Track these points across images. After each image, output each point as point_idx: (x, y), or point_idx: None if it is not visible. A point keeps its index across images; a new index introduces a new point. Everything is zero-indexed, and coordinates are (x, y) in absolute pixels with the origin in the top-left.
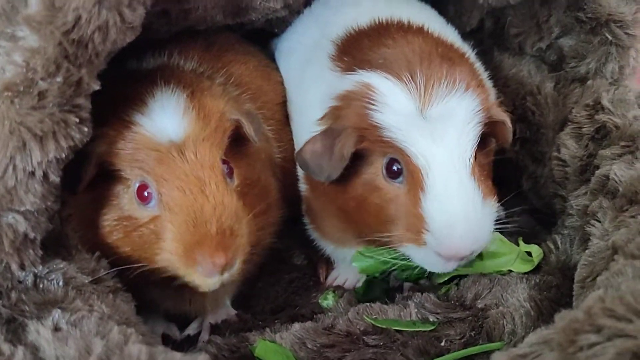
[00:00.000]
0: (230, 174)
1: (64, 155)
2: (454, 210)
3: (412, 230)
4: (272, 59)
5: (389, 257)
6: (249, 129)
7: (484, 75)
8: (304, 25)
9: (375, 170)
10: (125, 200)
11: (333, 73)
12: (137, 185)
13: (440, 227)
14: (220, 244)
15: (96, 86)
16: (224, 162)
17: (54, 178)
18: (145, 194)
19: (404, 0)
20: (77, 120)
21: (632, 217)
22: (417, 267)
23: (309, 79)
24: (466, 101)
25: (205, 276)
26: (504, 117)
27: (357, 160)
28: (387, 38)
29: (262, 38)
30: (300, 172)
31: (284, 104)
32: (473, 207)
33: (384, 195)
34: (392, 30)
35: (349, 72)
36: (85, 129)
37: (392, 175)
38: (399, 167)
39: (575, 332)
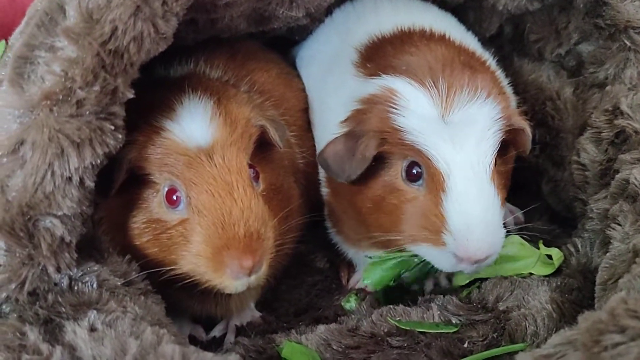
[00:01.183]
0: (256, 178)
1: (99, 161)
2: (474, 213)
3: (431, 230)
4: (292, 66)
5: (396, 260)
6: (274, 134)
7: (504, 82)
8: (326, 33)
9: (394, 173)
10: (154, 203)
11: (356, 78)
12: (167, 189)
13: (459, 229)
14: (248, 247)
15: (130, 94)
16: (250, 166)
17: (89, 183)
18: (174, 197)
19: (425, 8)
20: (112, 127)
21: None
22: (423, 268)
23: (332, 86)
24: (487, 108)
25: (233, 278)
26: (524, 125)
27: (376, 162)
28: (410, 46)
29: (283, 45)
30: (322, 176)
31: (305, 110)
32: (492, 212)
33: (402, 196)
34: (415, 38)
35: (373, 77)
36: (120, 136)
37: (412, 178)
38: (419, 170)
39: (599, 332)
